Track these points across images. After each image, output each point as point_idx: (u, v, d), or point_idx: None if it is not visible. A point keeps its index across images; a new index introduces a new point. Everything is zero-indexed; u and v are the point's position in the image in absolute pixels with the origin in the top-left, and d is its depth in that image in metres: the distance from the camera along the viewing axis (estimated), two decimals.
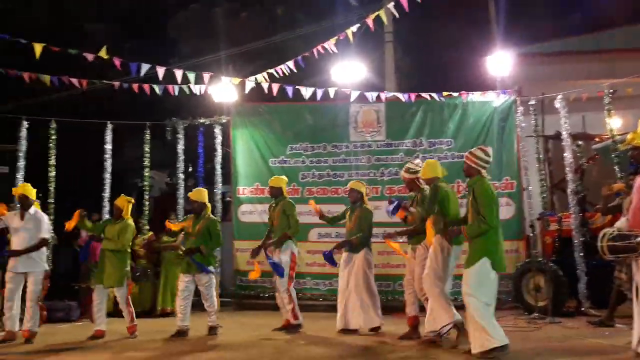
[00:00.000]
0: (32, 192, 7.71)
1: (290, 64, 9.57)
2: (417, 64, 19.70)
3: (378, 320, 7.56)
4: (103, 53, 8.19)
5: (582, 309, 8.77)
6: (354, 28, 9.12)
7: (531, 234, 9.47)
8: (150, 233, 10.70)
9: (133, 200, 8.14)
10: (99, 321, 7.71)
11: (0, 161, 10.13)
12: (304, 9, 17.40)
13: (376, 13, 8.83)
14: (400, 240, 7.74)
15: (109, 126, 10.72)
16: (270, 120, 11.05)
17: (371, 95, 9.81)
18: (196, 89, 9.79)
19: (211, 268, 7.91)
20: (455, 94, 10.20)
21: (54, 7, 16.53)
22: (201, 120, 11.29)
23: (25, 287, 7.49)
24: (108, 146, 10.69)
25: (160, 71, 8.94)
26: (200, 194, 8.07)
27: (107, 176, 10.62)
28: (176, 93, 9.83)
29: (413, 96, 9.92)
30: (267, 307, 9.69)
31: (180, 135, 11.23)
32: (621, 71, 10.67)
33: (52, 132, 10.27)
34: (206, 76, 9.36)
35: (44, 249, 7.70)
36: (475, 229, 5.86)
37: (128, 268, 7.92)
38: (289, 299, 7.81)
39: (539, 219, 9.58)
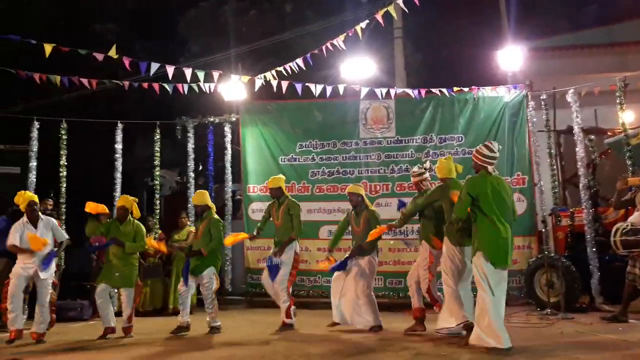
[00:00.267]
0: (36, 199, 7.77)
1: (299, 61, 9.55)
2: (427, 59, 19.63)
3: (372, 321, 7.55)
4: (113, 52, 8.20)
5: (595, 304, 8.70)
6: (363, 24, 9.09)
7: (543, 230, 9.40)
8: (160, 232, 10.73)
9: (136, 199, 8.12)
10: (108, 318, 7.69)
11: (11, 162, 10.18)
12: (312, 6, 17.38)
13: (385, 9, 8.79)
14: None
15: (120, 126, 10.77)
16: (280, 118, 11.05)
17: (381, 92, 9.76)
18: (206, 87, 9.80)
19: (212, 269, 7.87)
20: (465, 89, 10.14)
21: (63, 8, 16.60)
22: (211, 119, 11.31)
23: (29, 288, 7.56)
24: (118, 146, 10.74)
25: (170, 70, 8.96)
26: (202, 197, 8.07)
27: (118, 175, 10.66)
28: (186, 92, 9.84)
29: (423, 92, 9.87)
30: (276, 304, 9.67)
31: (190, 134, 11.26)
32: (634, 64, 10.59)
33: (63, 132, 10.32)
34: (215, 74, 9.36)
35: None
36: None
37: (137, 268, 7.96)
38: (287, 298, 7.81)
39: (550, 214, 9.51)
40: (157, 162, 11.18)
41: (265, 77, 9.73)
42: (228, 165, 11.25)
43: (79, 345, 7.26)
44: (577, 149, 9.35)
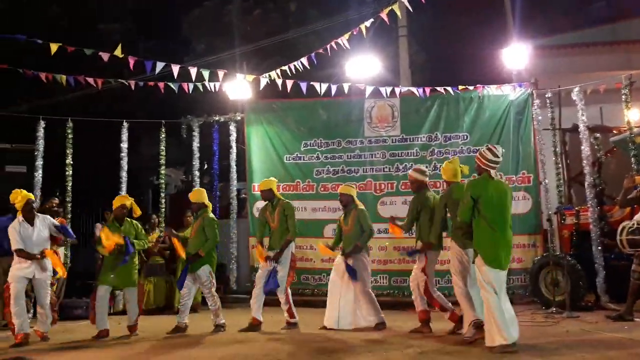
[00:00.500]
0: (32, 197, 7.62)
1: (304, 60, 9.55)
2: (432, 58, 19.60)
3: (375, 319, 7.60)
4: (118, 52, 8.23)
5: (601, 303, 8.68)
6: (368, 23, 9.09)
7: (548, 228, 9.38)
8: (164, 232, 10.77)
9: (131, 199, 8.12)
10: (104, 321, 7.63)
11: (17, 161, 10.21)
12: (317, 5, 17.37)
13: (390, 7, 8.77)
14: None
15: (125, 125, 10.79)
16: (285, 116, 11.06)
17: (385, 90, 9.76)
18: (211, 86, 9.82)
19: (208, 267, 7.87)
20: (470, 88, 10.12)
21: (67, 7, 16.65)
22: (216, 118, 11.35)
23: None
24: (124, 145, 10.76)
25: (175, 69, 8.98)
26: (199, 195, 8.08)
27: (124, 174, 10.69)
28: (191, 91, 9.85)
29: (428, 90, 9.85)
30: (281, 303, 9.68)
31: (196, 133, 11.30)
32: (639, 62, 10.53)
33: (69, 131, 10.35)
34: (220, 74, 9.37)
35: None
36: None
37: (137, 266, 7.95)
38: (286, 299, 7.81)
39: (556, 212, 9.49)
40: (162, 161, 11.21)
41: (270, 76, 9.75)
42: (233, 164, 11.28)
43: (85, 343, 7.29)
44: (582, 147, 9.33)
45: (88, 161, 12.10)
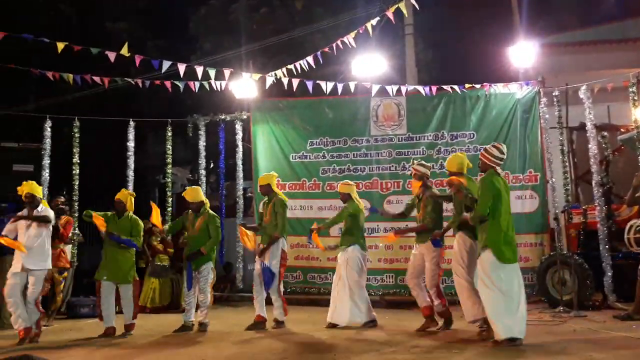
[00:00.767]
0: (38, 190, 7.52)
1: (310, 59, 9.55)
2: (438, 56, 19.54)
3: (365, 317, 7.70)
4: (125, 51, 8.24)
5: (608, 302, 8.64)
6: (374, 21, 9.07)
7: (555, 227, 9.34)
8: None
9: (134, 194, 8.13)
10: (110, 318, 7.64)
11: (25, 160, 10.23)
12: (323, 3, 17.33)
13: (396, 5, 8.75)
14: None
15: (132, 124, 10.81)
16: (291, 115, 11.05)
17: (392, 89, 9.74)
18: (217, 85, 9.82)
19: (210, 264, 7.93)
20: (477, 86, 10.09)
21: (74, 6, 16.69)
22: (222, 117, 11.35)
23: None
24: (130, 143, 10.78)
25: (181, 68, 8.99)
26: (197, 193, 8.06)
27: (130, 173, 10.70)
28: (197, 89, 9.86)
29: (434, 89, 9.83)
30: (288, 301, 9.66)
31: (202, 132, 11.31)
32: None
33: (76, 130, 10.38)
34: (227, 72, 9.38)
35: (50, 249, 7.48)
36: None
37: (134, 264, 7.92)
38: (278, 297, 7.86)
39: (563, 211, 9.46)
40: (168, 160, 11.24)
41: (276, 74, 9.74)
42: (239, 162, 11.28)
43: (92, 341, 7.31)
44: (589, 146, 9.28)
45: (95, 160, 12.14)
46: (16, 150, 10.38)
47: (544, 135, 9.80)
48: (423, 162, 7.70)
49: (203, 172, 11.48)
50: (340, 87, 9.67)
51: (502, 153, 6.31)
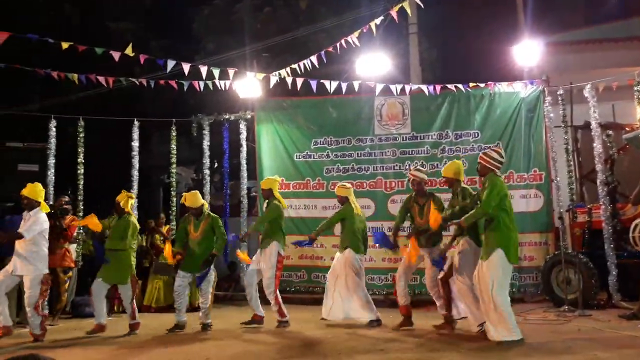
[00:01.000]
0: (37, 193, 7.46)
1: (314, 58, 9.54)
2: (443, 55, 19.53)
3: (368, 316, 7.83)
4: (129, 50, 8.26)
5: (613, 301, 8.61)
6: (378, 20, 9.07)
7: (560, 226, 9.32)
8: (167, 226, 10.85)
9: (134, 196, 8.15)
10: (99, 315, 7.69)
11: (30, 159, 10.26)
12: (327, 2, 17.33)
13: (400, 4, 8.74)
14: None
15: (136, 123, 10.82)
16: (295, 115, 11.04)
17: (396, 88, 9.73)
18: (221, 85, 9.83)
19: (211, 266, 8.00)
20: (481, 85, 10.07)
21: (77, 6, 16.73)
22: (226, 116, 11.35)
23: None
24: (135, 143, 10.79)
25: (186, 67, 9.01)
26: (195, 198, 8.07)
27: (135, 173, 10.71)
28: (201, 89, 9.88)
29: (438, 88, 9.81)
30: (292, 301, 9.72)
31: (206, 132, 11.31)
32: None
33: (80, 130, 10.40)
34: (231, 72, 9.38)
35: (44, 252, 7.40)
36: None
37: (133, 265, 7.94)
38: (275, 301, 7.91)
39: (568, 210, 9.43)
40: (173, 160, 11.24)
41: (280, 74, 9.74)
42: (243, 162, 11.28)
43: (96, 340, 7.34)
44: (594, 145, 9.24)
45: (99, 160, 12.16)
46: (21, 150, 10.41)
47: (549, 134, 9.77)
48: (419, 167, 7.76)
49: (207, 171, 11.49)
50: (344, 86, 9.66)
51: (502, 157, 6.43)
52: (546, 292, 9.00)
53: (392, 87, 9.72)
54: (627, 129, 9.97)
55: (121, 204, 7.95)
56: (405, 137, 10.48)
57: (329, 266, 10.17)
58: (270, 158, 11.02)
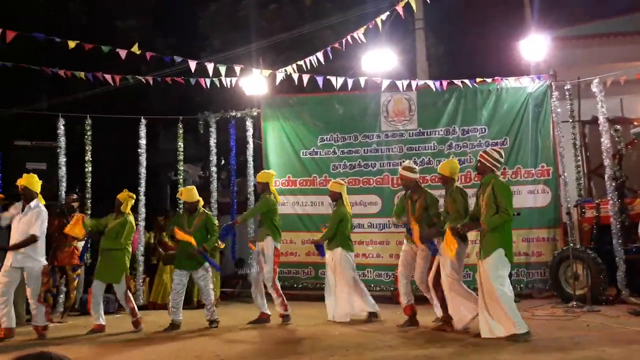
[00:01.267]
0: (35, 184, 7.40)
1: (320, 54, 9.54)
2: (449, 50, 19.45)
3: (369, 307, 7.95)
4: (135, 49, 8.28)
5: (621, 297, 8.59)
6: (384, 16, 9.04)
7: (568, 222, 9.29)
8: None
9: (134, 196, 8.15)
10: (96, 315, 7.72)
11: (38, 158, 10.31)
12: None
13: (406, 0, 8.71)
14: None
15: (143, 121, 10.84)
16: (301, 111, 11.04)
17: (402, 84, 9.70)
18: (227, 82, 9.84)
19: (206, 263, 8.00)
20: (488, 80, 10.03)
21: (84, 5, 16.76)
22: (233, 114, 11.35)
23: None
24: (142, 141, 10.81)
25: (192, 65, 9.02)
26: (191, 193, 8.10)
27: (142, 171, 10.74)
28: (208, 85, 9.89)
29: (445, 83, 9.78)
30: (301, 297, 9.74)
31: (213, 129, 11.32)
32: None
33: (88, 128, 10.44)
34: (237, 69, 9.39)
35: (43, 244, 7.43)
36: (496, 220, 6.24)
37: (127, 264, 7.96)
38: (277, 294, 7.94)
39: (575, 206, 9.40)
40: (180, 157, 11.26)
41: (286, 71, 9.74)
42: (250, 159, 11.29)
43: (104, 338, 7.37)
44: (602, 140, 9.20)
45: (107, 158, 12.19)
46: (29, 148, 10.46)
47: (556, 129, 9.73)
48: (409, 165, 7.71)
49: (214, 168, 11.50)
50: (350, 82, 9.65)
51: (502, 157, 6.57)
52: (554, 288, 8.98)
53: (399, 83, 9.70)
54: (635, 123, 9.92)
55: (123, 205, 7.97)
56: (412, 133, 10.45)
57: None
58: (276, 155, 11.02)
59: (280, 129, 11.04)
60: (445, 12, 17.44)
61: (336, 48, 9.50)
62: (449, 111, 10.32)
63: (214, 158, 11.42)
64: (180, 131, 11.18)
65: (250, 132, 11.28)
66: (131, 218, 8.07)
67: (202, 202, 8.18)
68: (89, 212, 10.06)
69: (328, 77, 9.60)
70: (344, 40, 9.33)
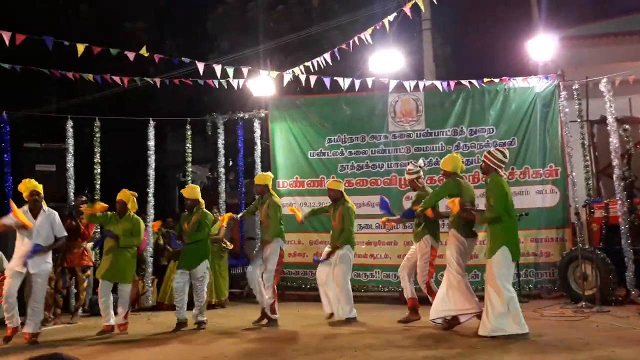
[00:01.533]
0: (41, 188, 7.43)
1: (327, 56, 9.55)
2: (456, 50, 19.44)
3: (348, 312, 7.94)
4: (143, 51, 8.32)
5: (631, 297, 8.54)
6: (391, 17, 9.05)
7: (576, 222, 9.26)
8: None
9: (136, 194, 8.18)
10: (109, 316, 7.72)
11: (47, 160, 10.38)
12: (340, 0, 17.33)
13: (413, 1, 8.71)
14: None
15: (151, 123, 10.87)
16: (308, 112, 11.04)
17: (409, 84, 9.70)
18: (235, 83, 9.87)
19: (206, 262, 8.06)
20: (496, 80, 10.01)
21: (94, 7, 16.87)
22: (240, 115, 11.38)
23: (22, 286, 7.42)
24: (151, 142, 10.85)
25: (200, 66, 9.06)
26: (193, 191, 8.20)
27: (151, 172, 10.77)
28: (216, 86, 9.92)
29: (452, 84, 9.76)
30: (309, 298, 9.75)
31: (220, 130, 11.36)
32: None
33: (96, 130, 10.50)
34: (245, 70, 9.42)
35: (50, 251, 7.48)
36: (484, 216, 6.49)
37: (135, 265, 8.03)
38: (272, 294, 7.93)
39: (584, 206, 9.36)
40: (188, 158, 11.30)
41: (293, 72, 9.76)
42: (258, 160, 11.31)
43: (113, 339, 7.41)
44: (610, 139, 9.16)
45: (116, 159, 12.26)
46: (38, 150, 10.53)
47: (564, 129, 9.69)
48: (410, 168, 7.87)
49: (222, 170, 11.54)
50: (357, 83, 9.65)
51: (506, 157, 6.61)
52: (563, 288, 8.94)
53: (406, 83, 9.68)
54: None
55: (128, 203, 7.97)
56: (420, 133, 10.44)
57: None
58: (284, 156, 11.04)
59: (288, 130, 11.06)
60: (452, 12, 17.42)
61: (343, 49, 9.51)
62: (457, 111, 10.30)
63: (221, 159, 11.45)
64: (188, 133, 11.22)
65: (258, 133, 11.30)
66: (137, 217, 8.08)
67: (203, 204, 8.21)
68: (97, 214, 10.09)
69: (335, 78, 9.60)
70: (351, 41, 9.34)
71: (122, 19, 17.35)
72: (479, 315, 6.63)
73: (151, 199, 10.54)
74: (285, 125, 11.08)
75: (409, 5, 8.70)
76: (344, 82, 9.59)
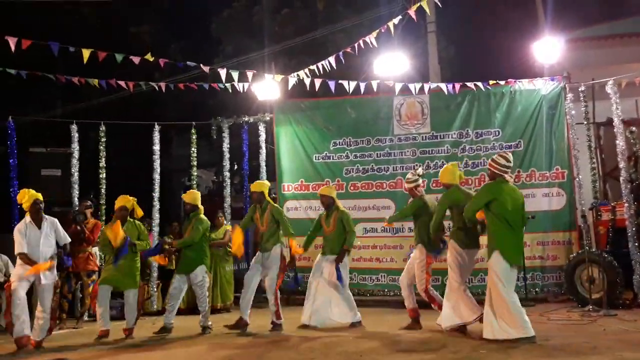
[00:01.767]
0: (40, 197, 7.30)
1: (332, 59, 9.54)
2: (462, 53, 19.42)
3: (352, 317, 7.92)
4: (148, 56, 8.33)
5: (638, 301, 8.49)
6: (396, 20, 9.04)
7: (583, 225, 9.20)
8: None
9: (135, 199, 8.14)
10: (106, 321, 7.68)
11: (53, 164, 10.42)
12: (345, 3, 17.34)
13: (418, 4, 8.70)
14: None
15: (156, 127, 10.89)
16: (313, 116, 11.03)
17: (415, 87, 9.67)
18: (239, 87, 9.88)
19: (203, 267, 8.03)
20: (501, 83, 9.98)
21: (99, 11, 16.92)
22: (245, 119, 11.39)
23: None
24: (156, 147, 10.87)
25: (205, 70, 9.06)
26: (193, 196, 8.21)
27: (156, 176, 10.78)
28: (223, 87, 9.93)
29: (457, 86, 9.73)
30: None
31: (226, 134, 11.37)
32: None
33: (102, 134, 10.52)
34: (249, 74, 9.42)
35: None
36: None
37: (138, 269, 8.00)
38: (274, 300, 7.90)
39: (591, 208, 9.31)
40: (193, 162, 11.31)
41: (298, 75, 9.76)
42: (263, 164, 11.31)
43: (119, 344, 7.41)
44: (617, 142, 9.11)
45: (121, 164, 12.29)
46: (44, 155, 10.57)
47: (571, 132, 9.65)
48: (409, 176, 7.81)
49: (227, 174, 11.56)
50: (362, 86, 9.64)
51: (509, 161, 6.56)
52: (570, 292, 8.89)
53: (411, 86, 9.67)
54: None
55: (136, 212, 7.99)
56: (425, 136, 10.41)
57: (353, 268, 10.21)
58: (289, 159, 11.03)
59: (293, 133, 11.05)
60: (457, 15, 17.41)
61: (348, 52, 9.51)
62: (462, 114, 10.26)
63: (227, 163, 11.47)
64: (194, 137, 11.23)
65: (262, 137, 11.30)
66: (139, 221, 8.10)
67: (202, 210, 8.20)
68: (103, 218, 10.13)
69: (340, 81, 9.59)
70: (356, 45, 9.34)
71: (127, 22, 17.41)
72: (481, 319, 6.60)
73: (156, 204, 10.55)
74: (290, 128, 11.07)
75: (414, 8, 8.69)
76: (349, 85, 9.59)
